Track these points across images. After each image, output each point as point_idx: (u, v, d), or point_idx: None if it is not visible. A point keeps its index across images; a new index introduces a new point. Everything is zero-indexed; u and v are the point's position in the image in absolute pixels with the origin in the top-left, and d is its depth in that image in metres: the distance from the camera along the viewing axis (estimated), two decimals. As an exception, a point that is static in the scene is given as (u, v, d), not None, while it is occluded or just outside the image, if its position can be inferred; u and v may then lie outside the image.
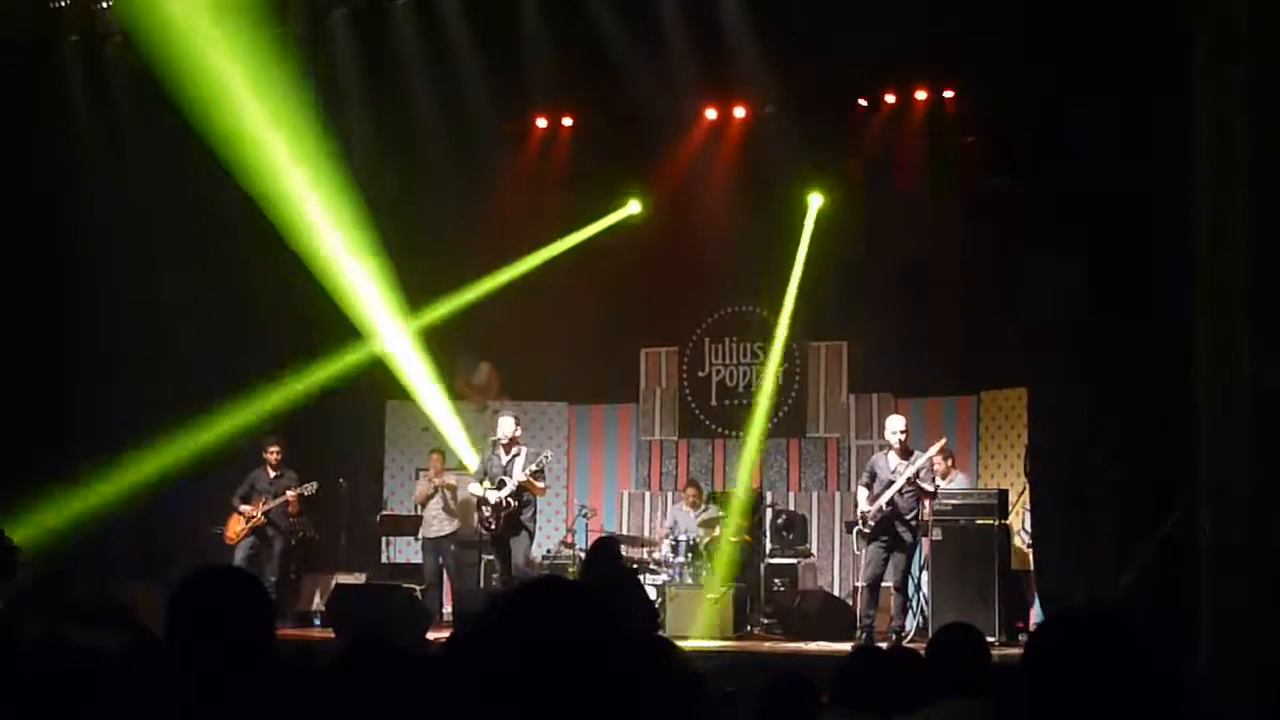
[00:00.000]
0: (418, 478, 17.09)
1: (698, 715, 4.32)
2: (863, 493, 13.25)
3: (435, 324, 16.46)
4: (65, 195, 15.37)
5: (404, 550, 16.90)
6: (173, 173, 15.33)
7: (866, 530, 12.98)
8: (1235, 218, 10.21)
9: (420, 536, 15.71)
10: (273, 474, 14.81)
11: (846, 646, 12.22)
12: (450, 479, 15.42)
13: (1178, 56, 10.74)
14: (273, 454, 14.82)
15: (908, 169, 15.85)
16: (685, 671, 4.44)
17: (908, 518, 12.92)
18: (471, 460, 15.46)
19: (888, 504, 12.85)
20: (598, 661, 2.28)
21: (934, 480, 13.45)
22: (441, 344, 16.86)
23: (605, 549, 12.09)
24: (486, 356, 17.91)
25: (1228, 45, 10.13)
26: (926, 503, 13.31)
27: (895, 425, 13.25)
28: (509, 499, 13.64)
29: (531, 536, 14.04)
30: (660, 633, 11.74)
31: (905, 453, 13.04)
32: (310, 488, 14.79)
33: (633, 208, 17.15)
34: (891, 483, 12.87)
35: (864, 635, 12.73)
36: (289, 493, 14.68)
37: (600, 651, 2.29)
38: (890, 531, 12.88)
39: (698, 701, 4.45)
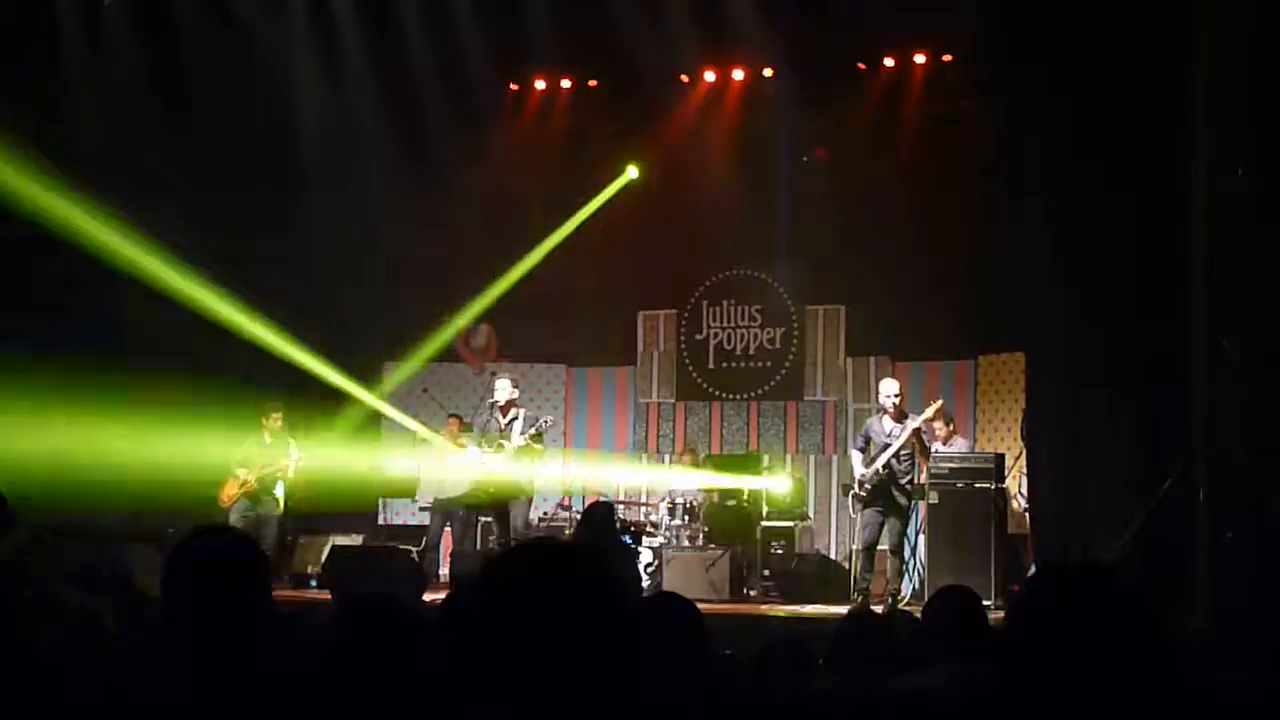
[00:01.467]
0: (415, 439, 17.12)
1: (701, 673, 4.33)
2: (857, 456, 13.24)
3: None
4: (59, 150, 15.27)
5: (401, 512, 16.91)
6: (171, 128, 15.27)
7: (862, 494, 12.97)
8: (1232, 186, 10.22)
9: (432, 499, 15.69)
10: (269, 439, 14.76)
11: (843, 609, 12.25)
12: (464, 440, 15.40)
13: (1177, 23, 10.75)
14: (275, 421, 14.77)
15: (906, 133, 15.82)
16: (697, 629, 4.45)
17: (903, 481, 12.91)
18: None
19: (884, 467, 12.83)
20: (593, 620, 2.29)
21: (933, 441, 13.46)
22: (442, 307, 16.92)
23: (598, 514, 12.12)
24: (485, 318, 17.91)
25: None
26: (923, 466, 13.30)
27: (889, 389, 13.21)
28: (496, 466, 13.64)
29: (531, 500, 14.04)
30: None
31: (900, 416, 13.01)
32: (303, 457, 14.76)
33: (630, 173, 17.14)
34: (888, 446, 12.85)
35: (859, 598, 12.75)
36: (282, 462, 14.63)
37: (596, 611, 2.30)
38: (886, 495, 12.86)
39: (702, 660, 4.46)
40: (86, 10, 15.42)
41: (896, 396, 13.08)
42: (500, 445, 13.68)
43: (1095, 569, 2.50)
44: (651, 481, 17.07)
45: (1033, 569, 13.54)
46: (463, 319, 17.20)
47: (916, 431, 12.85)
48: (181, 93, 15.27)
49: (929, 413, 13.10)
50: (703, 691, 4.26)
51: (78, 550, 13.93)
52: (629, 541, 14.05)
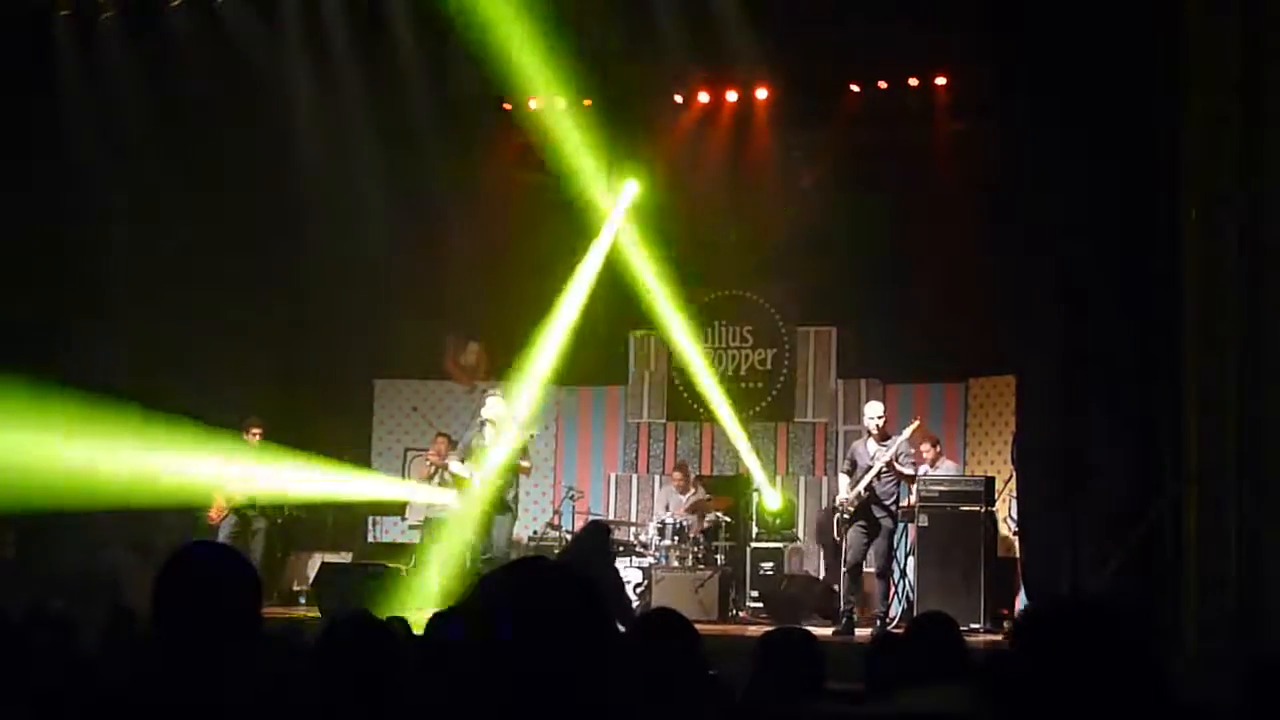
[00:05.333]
0: (405, 457, 17.09)
1: (691, 693, 4.34)
2: (843, 480, 13.24)
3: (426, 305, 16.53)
4: (58, 171, 15.27)
5: (390, 529, 16.89)
6: (166, 146, 15.27)
7: (846, 516, 12.97)
8: (1226, 209, 10.25)
9: (422, 518, 15.67)
10: (252, 455, 14.72)
11: (829, 631, 12.25)
12: (450, 459, 15.37)
13: (1167, 48, 10.79)
14: (254, 436, 14.74)
15: (899, 154, 15.85)
16: (693, 650, 4.46)
17: (886, 502, 12.90)
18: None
19: (866, 489, 12.82)
20: (577, 637, 2.29)
21: (914, 465, 13.43)
22: (432, 324, 16.90)
23: (590, 534, 12.09)
24: (475, 337, 17.90)
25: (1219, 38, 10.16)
26: (911, 488, 13.31)
27: (873, 411, 13.22)
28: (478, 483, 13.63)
29: (515, 517, 14.01)
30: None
31: (884, 438, 13.01)
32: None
33: (632, 186, 17.10)
34: (870, 468, 12.85)
35: (845, 620, 12.72)
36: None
37: (580, 628, 2.30)
38: (869, 516, 12.85)
39: (699, 675, 4.48)
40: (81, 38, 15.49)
41: (880, 418, 13.08)
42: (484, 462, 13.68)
43: (1089, 601, 2.52)
44: (643, 501, 17.11)
45: (1022, 593, 13.55)
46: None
47: (896, 455, 12.86)
48: (177, 112, 15.29)
49: (908, 432, 13.09)
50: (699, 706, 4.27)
51: (66, 560, 13.97)
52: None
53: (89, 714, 3.30)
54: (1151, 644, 2.43)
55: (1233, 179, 10.28)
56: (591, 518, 15.35)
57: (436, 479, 15.40)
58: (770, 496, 16.01)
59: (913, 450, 13.38)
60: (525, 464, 13.90)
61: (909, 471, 13.17)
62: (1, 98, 14.64)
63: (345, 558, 15.42)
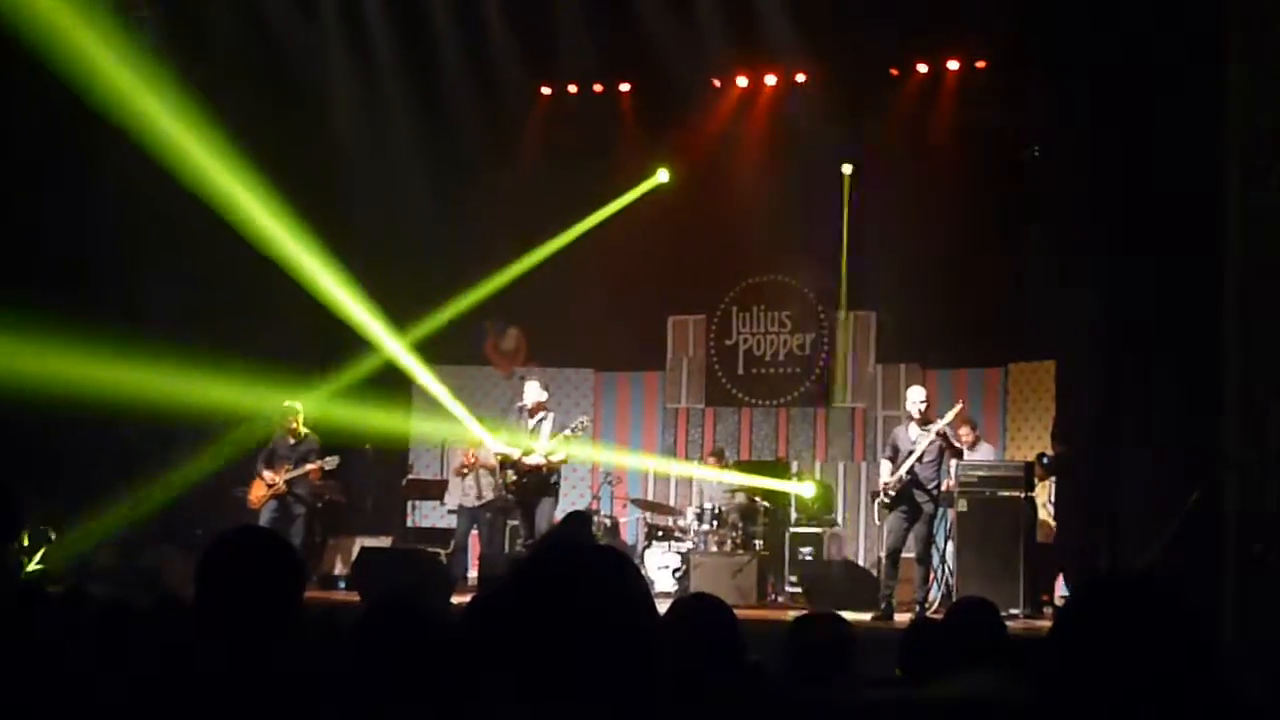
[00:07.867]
0: (444, 444, 17.11)
1: (729, 678, 4.34)
2: (885, 465, 13.17)
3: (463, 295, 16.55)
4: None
5: (429, 515, 16.93)
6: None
7: (887, 500, 12.92)
8: (1267, 193, 10.16)
9: (458, 505, 15.67)
10: (293, 440, 14.73)
11: (868, 616, 12.23)
12: (486, 459, 15.29)
13: (1211, 26, 10.70)
14: (293, 420, 14.76)
15: (939, 139, 15.79)
16: (731, 631, 4.47)
17: (929, 487, 12.82)
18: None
19: (908, 473, 12.76)
20: (619, 623, 2.29)
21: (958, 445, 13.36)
22: (471, 310, 16.91)
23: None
24: (514, 322, 17.94)
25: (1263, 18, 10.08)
26: (951, 470, 13.23)
27: (916, 396, 13.15)
28: (534, 464, 13.61)
29: (556, 501, 13.96)
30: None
31: (925, 422, 12.94)
32: (331, 462, 14.67)
33: (661, 176, 17.10)
34: (911, 452, 12.79)
35: (884, 605, 12.68)
36: (309, 465, 14.60)
37: (622, 614, 2.30)
38: (910, 501, 12.78)
39: (737, 660, 4.48)
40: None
41: (923, 403, 13.01)
42: (529, 448, 13.65)
43: (1139, 579, 2.51)
44: (681, 486, 17.13)
45: (1061, 578, 13.51)
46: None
47: (942, 433, 12.79)
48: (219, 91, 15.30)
49: (950, 415, 13.01)
50: (736, 690, 4.27)
51: (106, 553, 14.03)
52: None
53: (131, 697, 3.32)
54: (1201, 623, 2.42)
55: (1275, 163, 10.19)
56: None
57: (471, 476, 15.37)
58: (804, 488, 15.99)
59: (954, 433, 13.31)
60: (564, 455, 13.72)
61: (958, 444, 13.11)
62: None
63: (385, 542, 15.44)
